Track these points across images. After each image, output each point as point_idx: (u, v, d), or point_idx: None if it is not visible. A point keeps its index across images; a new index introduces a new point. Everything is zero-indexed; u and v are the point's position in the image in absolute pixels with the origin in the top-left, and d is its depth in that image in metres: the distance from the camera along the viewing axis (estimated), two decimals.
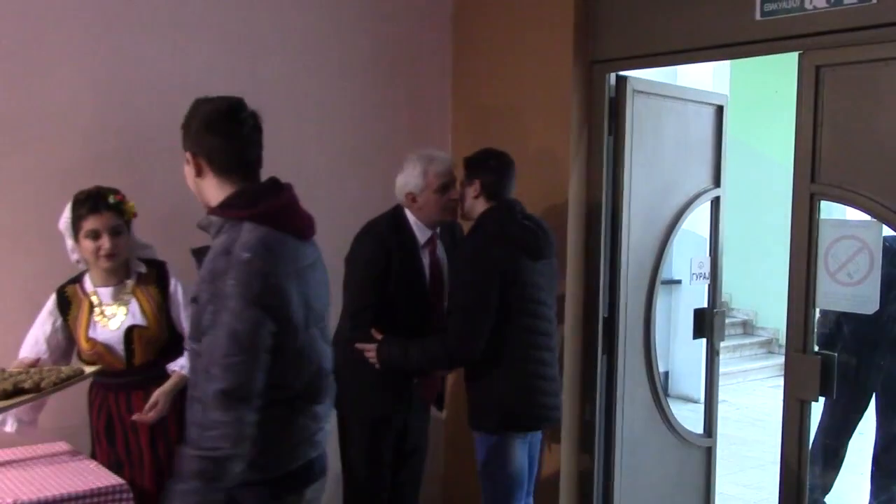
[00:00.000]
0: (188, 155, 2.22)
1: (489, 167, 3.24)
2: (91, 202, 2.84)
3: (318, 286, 2.29)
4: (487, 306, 3.08)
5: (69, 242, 2.94)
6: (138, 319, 2.90)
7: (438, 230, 3.40)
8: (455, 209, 3.33)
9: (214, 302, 2.05)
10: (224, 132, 2.17)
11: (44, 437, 3.10)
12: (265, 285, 2.06)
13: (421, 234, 3.33)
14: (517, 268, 3.13)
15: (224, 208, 2.15)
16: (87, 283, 2.95)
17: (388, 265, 3.23)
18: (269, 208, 2.15)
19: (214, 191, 2.19)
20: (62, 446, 3.06)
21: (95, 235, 2.84)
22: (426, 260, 3.34)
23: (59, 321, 2.92)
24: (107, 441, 2.94)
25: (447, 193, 3.29)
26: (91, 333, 2.88)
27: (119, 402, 2.91)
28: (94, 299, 2.91)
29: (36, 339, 2.91)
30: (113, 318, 2.89)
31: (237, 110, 2.19)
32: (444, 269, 3.41)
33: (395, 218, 3.34)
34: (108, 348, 2.87)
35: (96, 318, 2.89)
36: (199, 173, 2.20)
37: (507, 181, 3.28)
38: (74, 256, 2.96)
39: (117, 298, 2.92)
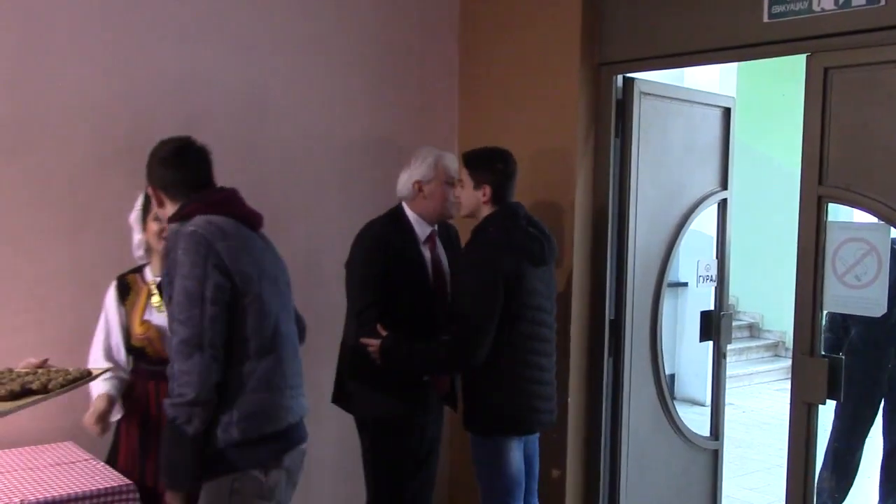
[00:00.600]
0: (149, 189, 2.66)
1: (498, 171, 3.23)
2: None
3: (273, 263, 2.64)
4: (492, 313, 3.08)
5: (136, 237, 3.00)
6: None
7: (436, 227, 3.41)
8: (457, 207, 3.34)
9: (171, 273, 2.43)
10: (175, 165, 2.59)
11: (51, 436, 3.13)
12: (209, 246, 2.42)
13: (421, 229, 3.34)
14: (521, 275, 3.12)
15: (177, 212, 2.55)
16: (148, 273, 3.02)
17: (388, 261, 3.23)
18: (210, 197, 2.55)
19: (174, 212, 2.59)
20: (69, 446, 3.07)
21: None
22: (427, 255, 3.35)
23: (121, 308, 2.98)
24: (139, 428, 2.92)
25: (452, 188, 3.32)
26: (146, 316, 2.92)
27: (160, 391, 2.85)
28: (153, 288, 2.95)
29: (108, 328, 2.96)
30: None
31: (185, 147, 2.62)
32: (444, 266, 3.42)
33: (394, 215, 3.36)
34: (160, 333, 2.87)
35: (154, 303, 2.93)
36: (160, 204, 2.63)
37: (514, 184, 3.28)
38: (139, 252, 3.01)
39: None
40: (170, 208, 2.60)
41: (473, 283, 3.13)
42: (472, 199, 3.25)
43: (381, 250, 3.25)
